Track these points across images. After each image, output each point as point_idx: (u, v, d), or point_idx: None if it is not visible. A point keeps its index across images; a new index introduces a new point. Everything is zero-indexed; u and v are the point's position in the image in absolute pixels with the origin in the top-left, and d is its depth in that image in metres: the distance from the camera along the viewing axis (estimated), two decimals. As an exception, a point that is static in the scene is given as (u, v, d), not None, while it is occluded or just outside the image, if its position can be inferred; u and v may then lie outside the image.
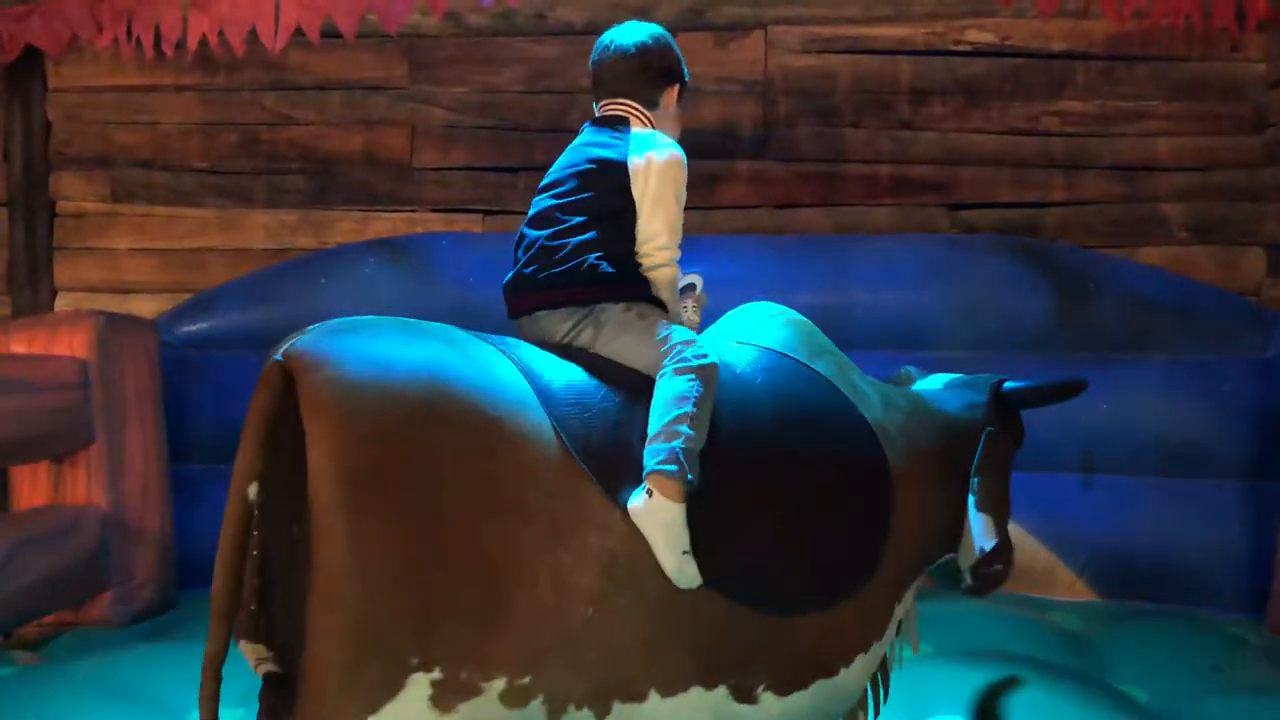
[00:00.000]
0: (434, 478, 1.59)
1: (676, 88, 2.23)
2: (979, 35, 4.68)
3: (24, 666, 3.18)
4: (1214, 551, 3.91)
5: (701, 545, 1.74)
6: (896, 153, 4.72)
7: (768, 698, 1.85)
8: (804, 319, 2.23)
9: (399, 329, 1.75)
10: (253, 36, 4.29)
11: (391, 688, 1.56)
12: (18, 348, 3.66)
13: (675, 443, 1.75)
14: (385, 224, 4.79)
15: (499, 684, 1.62)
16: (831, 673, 1.94)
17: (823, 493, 1.95)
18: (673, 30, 4.98)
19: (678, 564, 1.71)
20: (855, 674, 2.00)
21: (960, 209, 4.71)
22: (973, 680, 2.90)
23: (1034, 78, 4.67)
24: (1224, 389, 3.98)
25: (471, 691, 1.60)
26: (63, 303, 4.80)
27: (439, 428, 1.61)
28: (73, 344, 3.66)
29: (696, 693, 1.77)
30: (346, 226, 4.80)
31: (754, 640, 1.82)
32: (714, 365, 1.86)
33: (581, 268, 1.91)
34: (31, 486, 3.73)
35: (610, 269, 1.92)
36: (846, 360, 2.23)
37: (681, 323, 2.06)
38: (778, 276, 4.04)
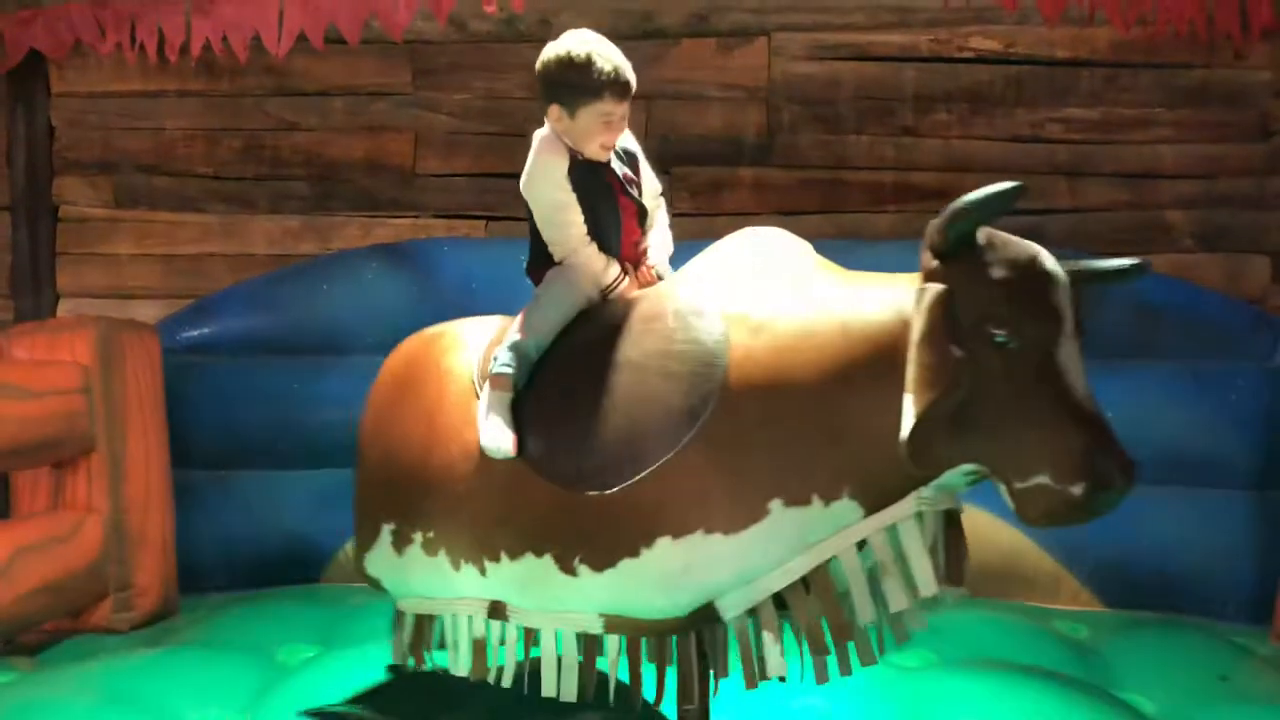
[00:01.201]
0: (395, 407, 2.48)
1: (556, 108, 2.24)
2: (983, 43, 4.68)
3: (23, 673, 3.17)
4: (1219, 561, 3.90)
5: (527, 432, 2.15)
6: (900, 160, 4.71)
7: (584, 570, 2.07)
8: (777, 239, 2.32)
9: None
10: (256, 42, 4.29)
11: (376, 535, 2.47)
12: (19, 353, 3.66)
13: (504, 344, 2.23)
14: (388, 230, 4.78)
15: (419, 535, 2.35)
16: (633, 553, 2.01)
17: (627, 376, 2.09)
18: (676, 37, 5.00)
19: (485, 439, 2.14)
20: (664, 558, 1.98)
21: (964, 216, 4.70)
22: (976, 689, 2.88)
23: (1038, 85, 4.67)
24: (1230, 397, 3.96)
25: (408, 540, 2.37)
26: (65, 308, 4.80)
27: (409, 373, 2.50)
28: (74, 349, 3.66)
29: (529, 559, 2.14)
30: (349, 232, 4.80)
31: (560, 512, 2.08)
32: (562, 283, 2.25)
33: (529, 267, 2.40)
34: (32, 492, 3.73)
35: (538, 268, 2.36)
36: (787, 265, 2.19)
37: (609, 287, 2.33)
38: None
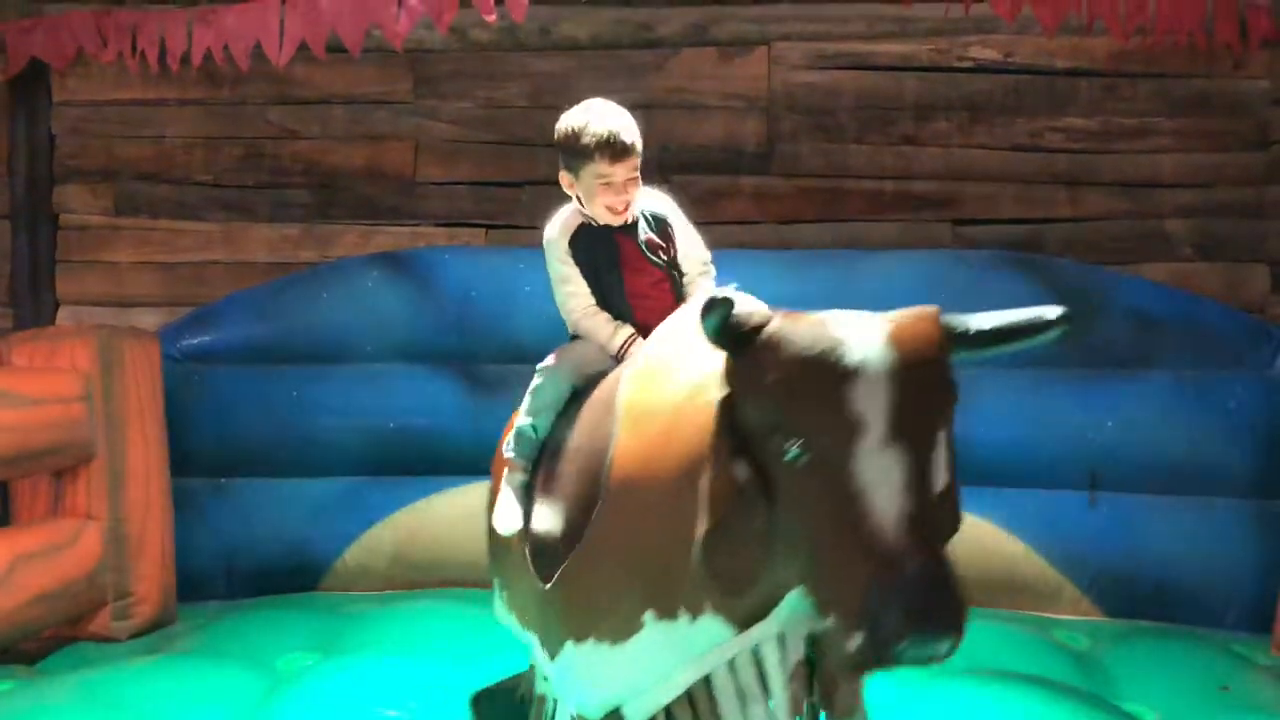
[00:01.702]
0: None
1: (565, 174, 2.31)
2: (982, 52, 4.68)
3: (22, 681, 3.16)
4: (1219, 570, 3.89)
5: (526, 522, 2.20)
6: (900, 168, 4.72)
7: (544, 656, 2.11)
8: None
9: None
10: (257, 51, 4.29)
11: (494, 587, 2.56)
12: (19, 361, 3.66)
13: (511, 431, 2.32)
14: (388, 238, 4.78)
15: (504, 594, 2.46)
16: (558, 651, 2.01)
17: (571, 465, 2.07)
18: (677, 46, 5.01)
19: (494, 518, 2.28)
20: (572, 660, 1.92)
21: (963, 225, 4.70)
22: (977, 699, 2.88)
23: (1037, 94, 4.67)
24: (1229, 406, 3.96)
25: (502, 597, 2.48)
26: (65, 316, 4.80)
27: None
28: (75, 357, 3.66)
29: (531, 635, 2.24)
30: (349, 241, 4.80)
31: (536, 597, 2.10)
32: (550, 364, 2.30)
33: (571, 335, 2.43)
34: (32, 500, 3.72)
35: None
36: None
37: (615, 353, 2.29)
38: (781, 292, 4.02)
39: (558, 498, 2.09)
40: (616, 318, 2.31)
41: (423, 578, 4.17)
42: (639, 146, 2.28)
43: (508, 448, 2.30)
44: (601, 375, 2.21)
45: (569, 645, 1.94)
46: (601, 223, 2.31)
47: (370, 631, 3.58)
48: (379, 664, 3.18)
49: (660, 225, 2.37)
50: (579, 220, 2.33)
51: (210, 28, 4.28)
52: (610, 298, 2.32)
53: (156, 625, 3.78)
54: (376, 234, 4.81)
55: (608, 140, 2.24)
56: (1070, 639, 3.64)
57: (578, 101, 2.33)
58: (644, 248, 2.33)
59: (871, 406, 1.47)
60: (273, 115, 4.82)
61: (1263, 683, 3.21)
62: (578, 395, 2.25)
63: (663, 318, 2.21)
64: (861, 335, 1.53)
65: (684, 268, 2.39)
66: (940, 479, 1.52)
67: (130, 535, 3.73)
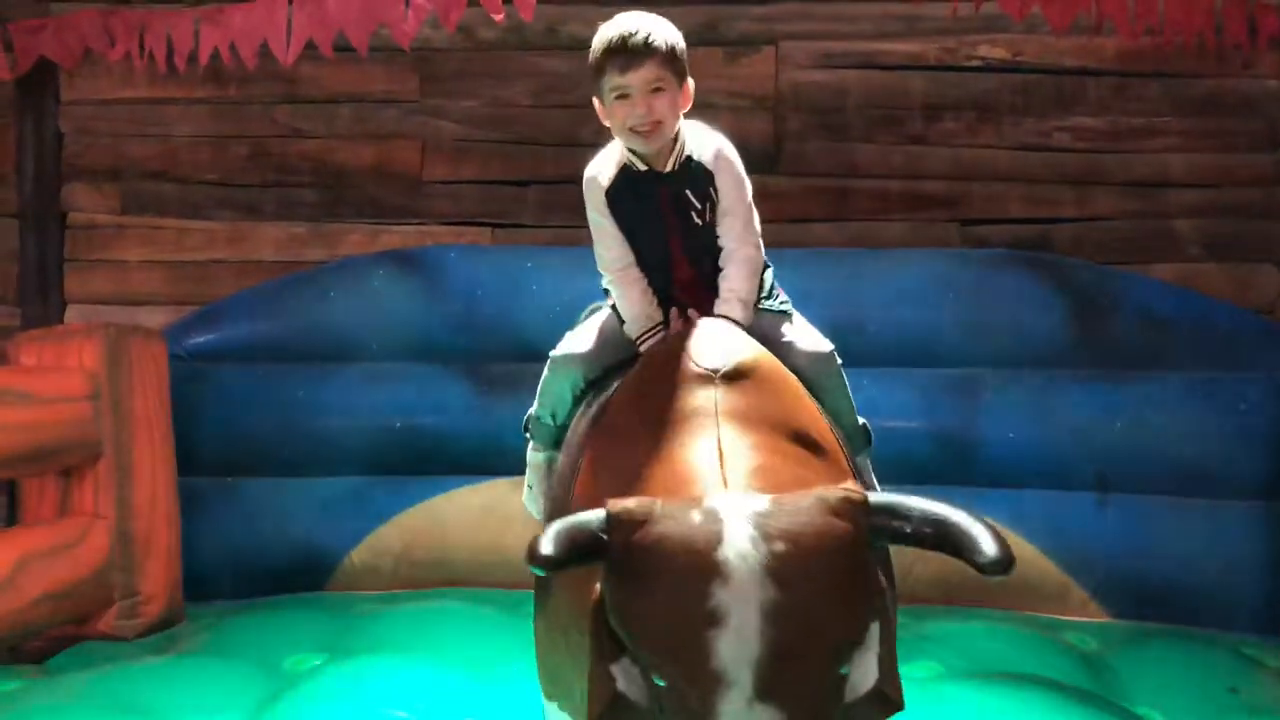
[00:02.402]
0: None
1: (596, 103, 1.99)
2: (991, 51, 4.67)
3: (29, 680, 3.17)
4: (1228, 572, 3.88)
5: None
6: (908, 168, 4.70)
7: None
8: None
9: None
10: (264, 50, 4.29)
11: None
12: (27, 360, 3.67)
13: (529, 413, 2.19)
14: (395, 237, 4.78)
15: None
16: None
17: (562, 475, 1.96)
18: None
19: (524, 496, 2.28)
20: (546, 714, 1.79)
21: (971, 224, 4.69)
22: (984, 701, 2.87)
23: (1046, 93, 4.66)
24: (1239, 407, 3.95)
25: None
26: (72, 315, 4.80)
27: None
28: (82, 356, 3.66)
29: None
30: (356, 240, 4.80)
31: None
32: (559, 353, 2.08)
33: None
34: (40, 499, 3.73)
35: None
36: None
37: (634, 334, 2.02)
38: (789, 291, 4.02)
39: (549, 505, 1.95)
40: (653, 288, 2.00)
41: (430, 577, 4.17)
42: (665, 48, 1.90)
43: (525, 429, 2.15)
44: (622, 365, 1.91)
45: (543, 697, 1.82)
46: (634, 149, 1.95)
47: (377, 631, 3.58)
48: (386, 664, 3.17)
49: (701, 176, 2.00)
50: (622, 161, 1.99)
51: (217, 27, 4.28)
52: (648, 261, 2.01)
53: (163, 624, 3.78)
54: (383, 233, 4.80)
55: (614, 44, 1.90)
56: (1079, 641, 3.63)
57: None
58: (686, 202, 1.99)
59: (739, 660, 1.20)
60: (280, 114, 4.81)
61: (1272, 685, 3.21)
62: (598, 383, 1.98)
63: (700, 293, 1.98)
64: (742, 564, 1.22)
65: (721, 238, 2.02)
66: (864, 683, 1.31)
67: (137, 534, 3.73)
